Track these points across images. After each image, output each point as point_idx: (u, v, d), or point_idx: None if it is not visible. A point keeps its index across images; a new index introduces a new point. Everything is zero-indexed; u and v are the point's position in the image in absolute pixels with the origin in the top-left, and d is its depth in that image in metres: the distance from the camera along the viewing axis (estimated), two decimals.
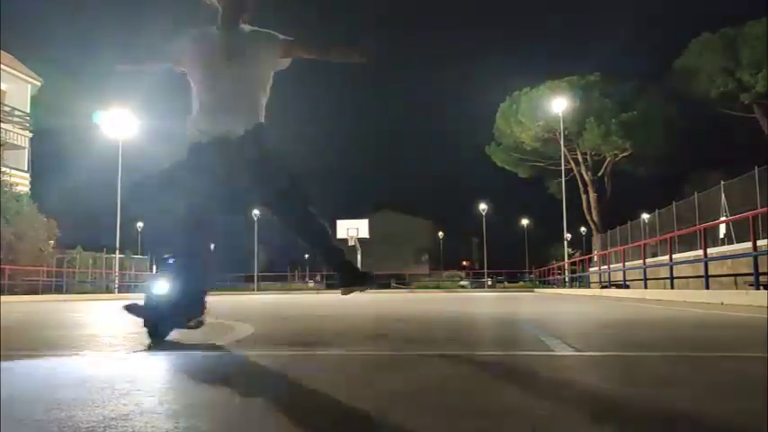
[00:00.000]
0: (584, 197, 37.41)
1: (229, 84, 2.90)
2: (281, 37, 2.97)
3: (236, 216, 3.13)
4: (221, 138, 2.87)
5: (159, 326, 2.93)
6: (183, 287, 2.85)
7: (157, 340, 2.91)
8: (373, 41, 3.00)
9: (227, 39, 2.94)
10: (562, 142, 31.87)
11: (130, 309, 3.00)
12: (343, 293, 3.02)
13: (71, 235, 28.59)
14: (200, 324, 3.05)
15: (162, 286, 2.88)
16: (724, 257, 14.19)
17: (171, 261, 2.94)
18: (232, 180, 2.90)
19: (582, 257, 31.75)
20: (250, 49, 2.94)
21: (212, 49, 2.94)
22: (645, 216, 26.65)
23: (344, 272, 2.97)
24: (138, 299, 3.04)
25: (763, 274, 9.80)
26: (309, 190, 3.04)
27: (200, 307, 3.02)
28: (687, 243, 17.94)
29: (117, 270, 29.96)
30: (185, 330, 3.02)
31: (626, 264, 17.87)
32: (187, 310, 2.94)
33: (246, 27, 3.00)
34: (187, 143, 2.97)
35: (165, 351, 2.67)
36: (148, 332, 2.94)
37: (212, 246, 3.09)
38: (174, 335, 3.00)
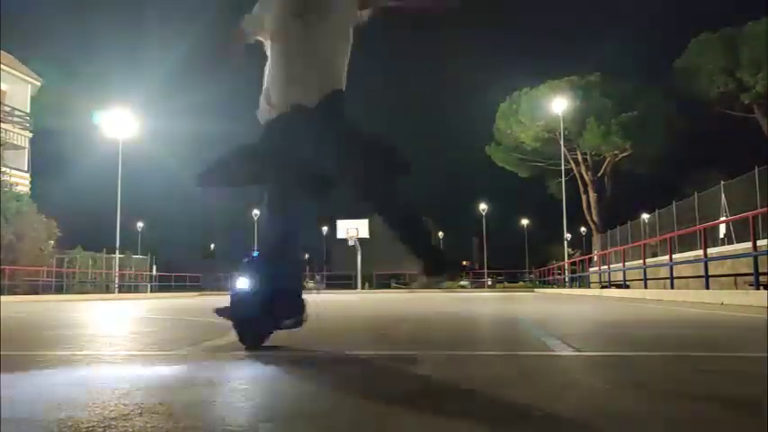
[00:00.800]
0: (584, 197, 37.42)
1: (302, 44, 2.55)
2: None
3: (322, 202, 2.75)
4: (297, 110, 2.52)
5: (251, 328, 2.65)
6: (274, 282, 2.58)
7: (251, 345, 2.64)
8: None
9: None
10: (562, 142, 31.87)
11: (221, 312, 2.72)
12: (426, 283, 2.70)
13: (71, 235, 28.61)
14: (299, 323, 2.71)
15: (247, 283, 2.61)
16: (724, 257, 14.18)
17: (256, 255, 2.70)
18: (313, 158, 2.53)
19: (582, 257, 31.75)
20: (324, 1, 2.60)
21: (285, 9, 2.60)
22: (645, 216, 26.65)
23: (430, 258, 2.56)
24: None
25: (763, 274, 9.80)
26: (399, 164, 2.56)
27: (299, 303, 2.70)
28: (687, 243, 17.94)
29: (117, 270, 29.96)
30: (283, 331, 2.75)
31: (626, 264, 17.87)
32: (282, 308, 2.65)
33: None
34: (260, 121, 2.66)
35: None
36: (238, 336, 2.67)
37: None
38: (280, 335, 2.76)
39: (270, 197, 2.63)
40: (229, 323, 2.72)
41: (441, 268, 2.55)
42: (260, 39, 2.72)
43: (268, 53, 2.68)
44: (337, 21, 2.60)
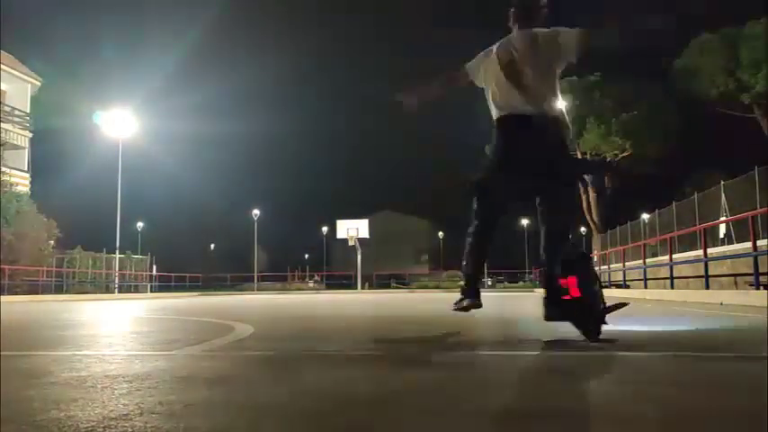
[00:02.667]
0: (584, 197, 37.42)
1: (530, 74, 3.18)
2: (568, 30, 3.20)
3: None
4: (521, 113, 3.14)
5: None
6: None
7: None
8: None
9: (518, 38, 3.28)
10: None
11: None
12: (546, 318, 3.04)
13: (71, 235, 28.63)
14: (477, 305, 3.22)
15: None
16: (724, 257, 14.19)
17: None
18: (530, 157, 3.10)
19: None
20: (536, 45, 3.22)
21: (498, 67, 3.27)
22: (645, 216, 26.65)
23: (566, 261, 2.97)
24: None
25: (763, 274, 9.80)
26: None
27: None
28: (687, 243, 17.95)
29: (117, 270, 29.97)
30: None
31: (626, 264, 17.87)
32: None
33: (539, 29, 3.28)
34: (493, 120, 3.28)
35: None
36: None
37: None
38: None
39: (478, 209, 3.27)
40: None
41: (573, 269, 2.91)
42: (478, 83, 3.44)
43: (489, 93, 3.36)
44: (547, 61, 3.25)
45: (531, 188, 3.29)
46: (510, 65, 3.23)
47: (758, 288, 8.91)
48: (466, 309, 3.22)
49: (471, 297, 3.23)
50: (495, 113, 3.30)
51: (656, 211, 23.71)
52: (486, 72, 3.37)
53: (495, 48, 3.36)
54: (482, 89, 3.45)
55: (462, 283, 3.36)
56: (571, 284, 2.80)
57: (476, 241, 3.30)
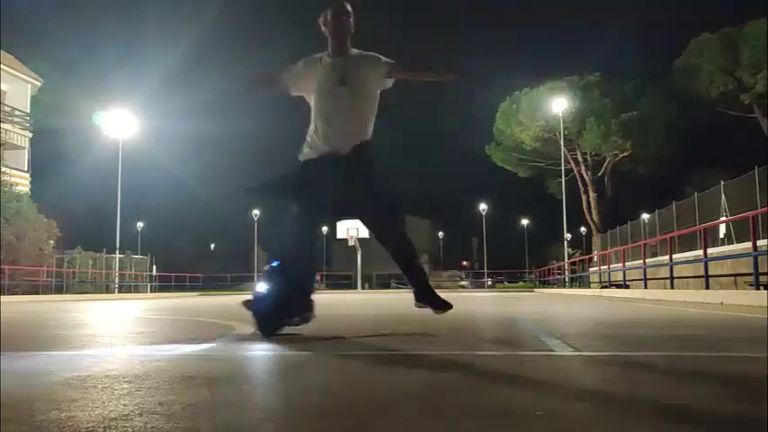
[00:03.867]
0: (584, 197, 37.43)
1: (343, 105, 3.23)
2: (384, 60, 3.32)
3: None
4: (333, 153, 3.19)
5: (266, 322, 3.21)
6: (288, 287, 3.19)
7: (265, 334, 3.16)
8: (459, 61, 3.47)
9: (340, 65, 3.27)
10: (562, 142, 31.88)
11: (245, 304, 3.34)
12: (416, 306, 3.34)
13: (71, 235, 28.63)
14: (305, 321, 3.30)
15: (265, 287, 3.24)
16: (724, 257, 14.19)
17: (275, 264, 3.28)
18: (340, 194, 3.22)
19: (582, 257, 31.76)
20: (360, 72, 3.27)
21: (327, 75, 3.27)
22: (645, 216, 26.65)
23: (424, 293, 3.31)
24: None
25: (763, 274, 9.81)
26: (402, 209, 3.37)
27: (306, 306, 3.30)
28: (687, 243, 17.95)
29: (117, 270, 29.96)
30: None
31: (626, 264, 17.87)
32: (292, 308, 3.23)
33: (355, 52, 3.33)
34: (301, 159, 3.31)
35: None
36: (257, 326, 3.24)
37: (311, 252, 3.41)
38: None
39: (296, 216, 3.25)
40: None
41: (423, 298, 3.32)
42: (302, 94, 3.39)
43: (311, 105, 3.33)
44: (369, 87, 3.31)
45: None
46: (337, 96, 3.23)
47: (758, 288, 8.91)
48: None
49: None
50: (309, 150, 3.29)
51: (656, 211, 23.71)
52: (310, 85, 3.33)
53: (323, 64, 3.31)
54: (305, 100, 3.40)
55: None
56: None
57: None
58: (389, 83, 3.36)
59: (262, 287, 3.26)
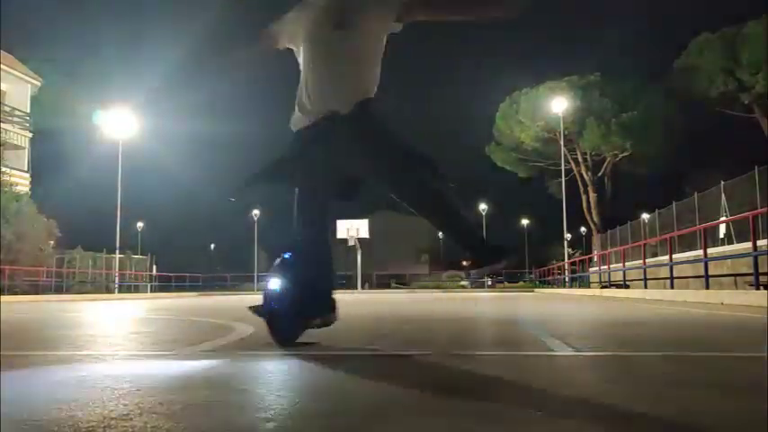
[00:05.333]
0: (584, 197, 37.43)
1: (340, 55, 2.59)
2: None
3: (352, 202, 2.82)
4: (329, 117, 2.57)
5: (282, 327, 2.72)
6: (304, 283, 2.67)
7: (282, 343, 2.68)
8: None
9: (336, 4, 2.63)
10: (562, 142, 31.88)
11: (255, 309, 2.82)
12: (466, 270, 2.64)
13: (71, 235, 28.64)
14: (326, 324, 2.76)
15: (278, 284, 2.72)
16: (724, 257, 14.19)
17: (287, 256, 2.77)
18: (344, 163, 2.63)
19: (582, 257, 31.76)
20: (361, 12, 2.61)
21: (320, 17, 2.62)
22: (645, 216, 26.66)
23: (480, 250, 2.53)
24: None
25: (763, 274, 9.81)
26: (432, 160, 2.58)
27: (329, 304, 2.74)
28: (687, 243, 17.95)
29: (117, 270, 29.96)
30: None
31: (626, 264, 17.87)
32: (311, 308, 2.70)
33: None
34: (293, 129, 2.72)
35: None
36: (271, 334, 2.74)
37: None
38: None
39: (300, 200, 2.72)
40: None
41: (488, 256, 2.52)
42: (291, 46, 2.77)
43: (300, 61, 2.72)
44: (372, 31, 2.64)
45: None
46: (332, 42, 2.59)
47: (758, 288, 8.91)
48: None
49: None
50: (301, 116, 2.68)
51: (656, 211, 23.71)
52: (298, 32, 2.70)
53: (315, 5, 2.68)
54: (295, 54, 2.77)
55: None
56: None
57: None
58: (399, 26, 2.70)
59: (273, 285, 2.75)
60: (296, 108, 2.70)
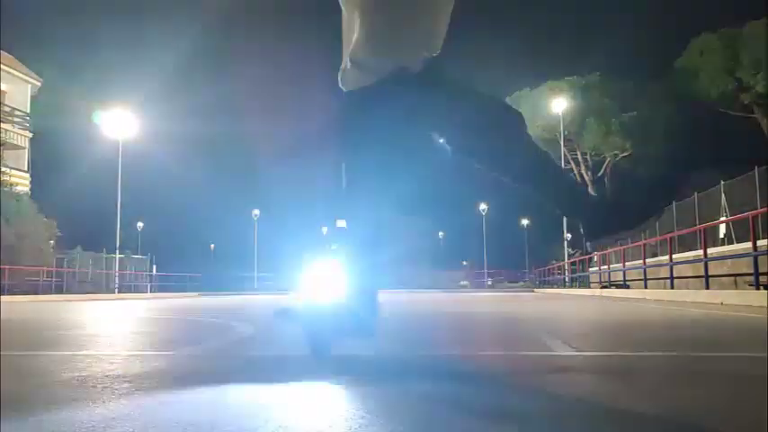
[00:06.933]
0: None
1: (403, 3, 2.12)
2: None
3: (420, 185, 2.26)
4: (400, 71, 2.08)
5: (320, 337, 2.26)
6: (358, 284, 2.18)
7: (320, 355, 2.26)
8: None
9: None
10: (562, 142, 31.88)
11: (283, 314, 2.38)
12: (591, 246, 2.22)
13: (71, 235, 28.64)
14: (369, 334, 2.27)
15: (310, 284, 2.33)
16: (724, 257, 14.18)
17: (340, 224, 2.31)
18: (413, 133, 2.14)
19: (582, 257, 31.76)
20: None
21: None
22: None
23: (590, 215, 2.05)
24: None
25: (763, 274, 9.80)
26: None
27: (373, 309, 2.26)
28: (687, 243, 17.94)
29: (117, 270, 29.96)
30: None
31: (626, 264, 17.87)
32: (359, 313, 2.20)
33: None
34: (343, 89, 2.21)
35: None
36: (309, 345, 2.29)
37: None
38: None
39: (350, 180, 2.20)
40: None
41: (608, 225, 2.04)
42: None
43: (348, 11, 2.21)
44: None
45: None
46: None
47: (758, 288, 8.90)
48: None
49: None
50: (358, 73, 2.14)
51: None
52: None
53: None
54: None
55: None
56: None
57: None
58: None
59: (308, 281, 2.35)
60: (346, 63, 2.18)
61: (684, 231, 17.17)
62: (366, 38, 2.12)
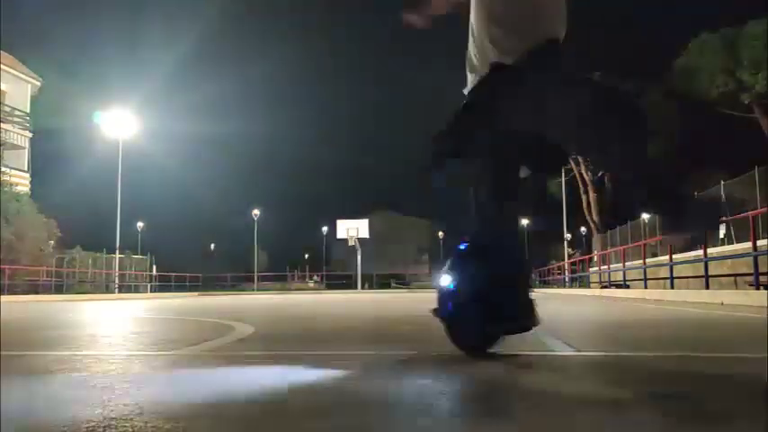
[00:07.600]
0: (584, 197, 37.42)
1: None
2: None
3: (552, 176, 2.28)
4: (539, 52, 2.03)
5: (465, 332, 2.22)
6: (491, 279, 2.15)
7: (470, 351, 2.22)
8: None
9: None
10: None
11: (435, 312, 2.29)
12: (678, 243, 2.13)
13: (71, 235, 28.65)
14: (524, 329, 2.25)
15: (454, 280, 2.23)
16: (724, 257, 14.18)
17: (463, 247, 2.29)
18: (552, 119, 2.06)
19: (582, 257, 31.76)
20: None
21: None
22: (645, 216, 26.65)
23: (691, 216, 1.99)
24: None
25: (763, 274, 9.80)
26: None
27: (524, 304, 2.20)
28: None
29: (117, 270, 29.96)
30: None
31: (626, 264, 17.87)
32: (502, 309, 2.16)
33: None
34: (472, 76, 2.18)
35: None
36: (454, 340, 2.24)
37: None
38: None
39: (481, 173, 2.22)
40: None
41: (690, 220, 1.98)
42: None
43: (473, 13, 2.22)
44: None
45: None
46: None
47: (758, 288, 8.90)
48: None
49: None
50: (503, 48, 2.10)
51: None
52: None
53: None
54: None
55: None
56: None
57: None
58: None
59: (447, 282, 2.24)
60: (479, 43, 2.18)
61: None
62: (497, 21, 2.11)
